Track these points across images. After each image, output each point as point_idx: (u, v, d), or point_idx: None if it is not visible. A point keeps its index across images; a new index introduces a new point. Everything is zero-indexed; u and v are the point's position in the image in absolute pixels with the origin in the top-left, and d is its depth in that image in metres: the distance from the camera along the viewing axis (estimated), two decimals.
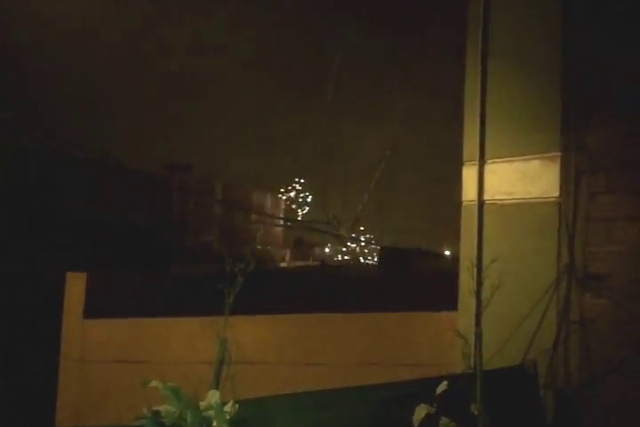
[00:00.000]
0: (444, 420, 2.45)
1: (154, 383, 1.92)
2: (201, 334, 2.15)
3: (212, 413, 1.94)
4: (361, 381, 2.77)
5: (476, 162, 3.63)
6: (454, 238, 3.79)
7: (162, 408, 1.92)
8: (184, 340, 5.23)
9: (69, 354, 5.39)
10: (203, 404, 1.98)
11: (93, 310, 5.46)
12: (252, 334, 4.90)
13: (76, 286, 5.50)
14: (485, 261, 3.38)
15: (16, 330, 5.52)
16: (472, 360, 2.78)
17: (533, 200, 3.42)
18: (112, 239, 24.38)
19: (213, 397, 1.98)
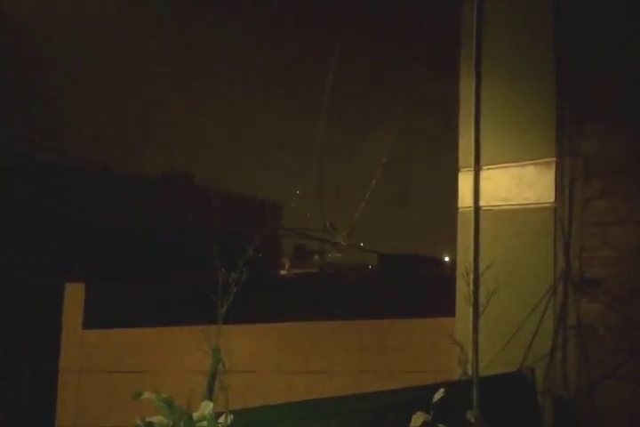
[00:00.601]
0: None
1: (146, 395, 1.91)
2: (200, 343, 2.14)
3: (205, 424, 1.93)
4: (358, 388, 2.76)
5: (472, 168, 3.63)
6: (452, 244, 3.78)
7: (155, 419, 1.91)
8: (183, 349, 5.21)
9: (68, 364, 5.37)
10: (196, 415, 1.97)
11: (92, 320, 5.45)
12: (248, 343, 4.88)
13: (74, 297, 5.49)
14: (482, 267, 3.38)
15: (15, 340, 5.50)
16: (469, 367, 2.77)
17: (529, 206, 3.41)
18: (111, 247, 24.38)
19: (207, 407, 1.97)
